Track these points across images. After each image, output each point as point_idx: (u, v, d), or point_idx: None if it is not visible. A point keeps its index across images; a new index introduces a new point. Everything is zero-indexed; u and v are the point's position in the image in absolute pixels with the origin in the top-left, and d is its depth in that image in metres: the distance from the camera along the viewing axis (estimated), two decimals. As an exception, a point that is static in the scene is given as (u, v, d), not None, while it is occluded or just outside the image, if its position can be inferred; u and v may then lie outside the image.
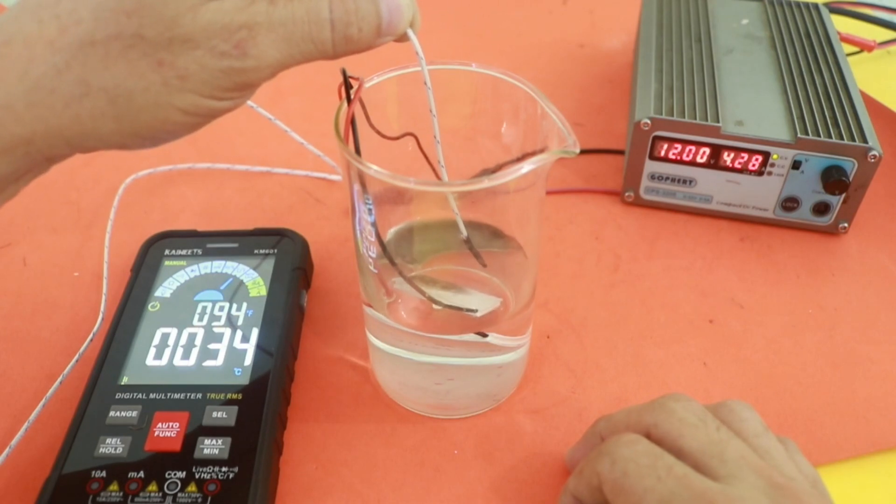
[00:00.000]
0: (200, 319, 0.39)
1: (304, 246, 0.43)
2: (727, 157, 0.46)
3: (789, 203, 0.47)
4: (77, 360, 0.39)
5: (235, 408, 0.35)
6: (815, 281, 0.45)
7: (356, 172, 0.29)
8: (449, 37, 0.68)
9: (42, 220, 0.49)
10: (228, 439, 0.33)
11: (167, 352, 0.37)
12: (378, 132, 0.32)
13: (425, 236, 0.36)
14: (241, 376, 0.36)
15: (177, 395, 0.35)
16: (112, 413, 0.34)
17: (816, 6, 0.58)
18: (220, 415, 0.34)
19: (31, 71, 0.24)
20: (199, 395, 0.35)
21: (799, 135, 0.44)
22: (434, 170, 0.33)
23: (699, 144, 0.46)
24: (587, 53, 0.66)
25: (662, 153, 0.47)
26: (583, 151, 0.52)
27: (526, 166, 0.28)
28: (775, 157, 0.45)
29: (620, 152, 0.54)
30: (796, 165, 0.45)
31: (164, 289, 0.41)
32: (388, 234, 0.35)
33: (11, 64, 0.24)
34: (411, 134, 0.33)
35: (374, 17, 0.27)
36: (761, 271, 0.45)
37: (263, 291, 0.40)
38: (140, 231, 0.45)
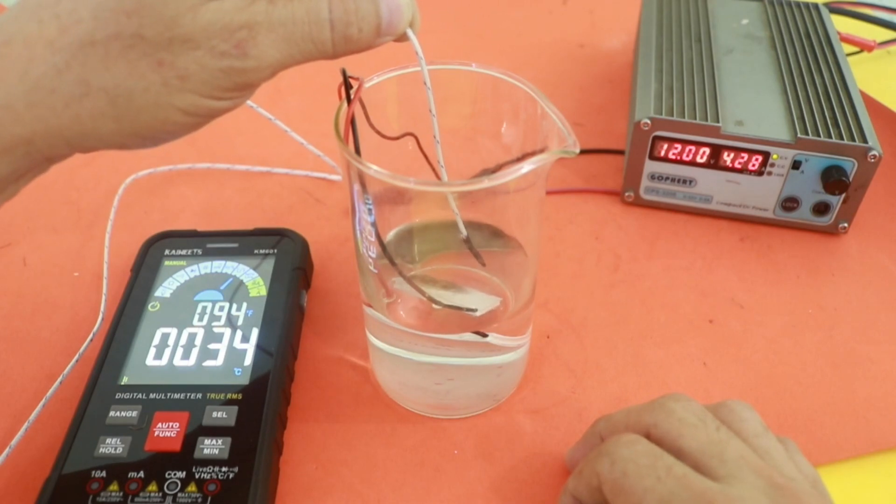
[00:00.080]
0: (200, 319, 0.39)
1: (304, 246, 0.43)
2: (727, 157, 0.46)
3: (789, 203, 0.47)
4: (77, 360, 0.39)
5: (235, 408, 0.35)
6: (815, 281, 0.45)
7: (356, 172, 0.29)
8: (449, 37, 0.68)
9: (42, 220, 0.49)
10: (228, 439, 0.33)
11: (167, 352, 0.37)
12: (378, 132, 0.32)
13: (425, 236, 0.36)
14: (241, 376, 0.36)
15: (177, 395, 0.35)
16: (112, 413, 0.34)
17: (816, 6, 0.58)
18: (220, 415, 0.34)
19: (31, 71, 0.24)
20: (199, 395, 0.35)
21: (799, 135, 0.44)
22: (434, 170, 0.33)
23: (699, 144, 0.46)
24: (587, 53, 0.66)
25: (662, 153, 0.47)
26: (583, 151, 0.52)
27: (526, 166, 0.28)
28: (775, 157, 0.45)
29: (620, 152, 0.54)
30: (796, 165, 0.45)
31: (164, 289, 0.41)
32: (388, 234, 0.35)
33: (11, 64, 0.24)
34: (411, 134, 0.33)
35: (373, 17, 0.27)
36: (761, 271, 0.45)
37: (263, 291, 0.40)
38: (140, 231, 0.45)
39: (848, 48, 0.60)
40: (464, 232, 0.33)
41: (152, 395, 0.35)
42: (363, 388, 0.39)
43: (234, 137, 0.55)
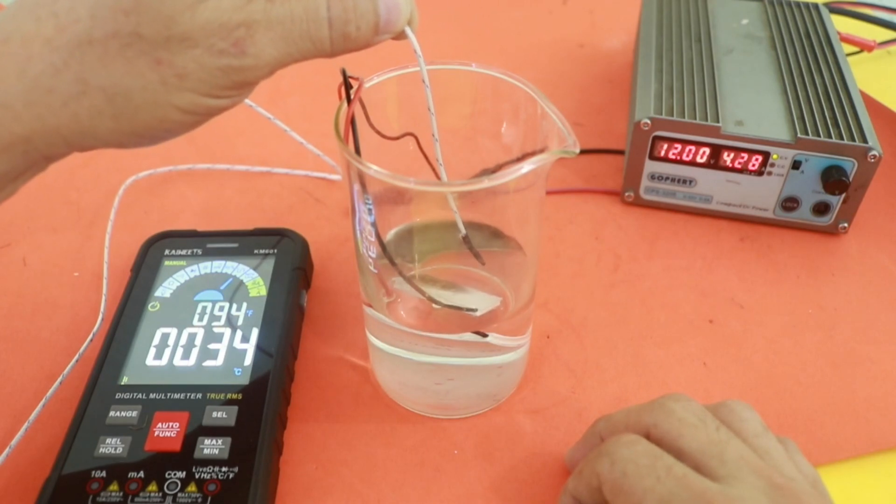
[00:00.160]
0: (200, 319, 0.39)
1: (304, 246, 0.43)
2: (727, 157, 0.46)
3: (789, 203, 0.47)
4: (77, 360, 0.39)
5: (235, 408, 0.35)
6: (815, 281, 0.45)
7: (356, 172, 0.29)
8: (449, 37, 0.68)
9: (42, 220, 0.49)
10: (228, 439, 0.33)
11: (167, 352, 0.37)
12: (378, 132, 0.32)
13: (425, 236, 0.36)
14: (241, 376, 0.36)
15: (177, 395, 0.35)
16: (112, 413, 0.34)
17: (816, 6, 0.58)
18: (220, 415, 0.34)
19: (29, 70, 0.24)
20: (199, 395, 0.35)
21: (799, 135, 0.44)
22: (434, 170, 0.33)
23: (699, 144, 0.46)
24: (587, 53, 0.66)
25: (662, 153, 0.47)
26: (583, 151, 0.52)
27: (526, 166, 0.28)
28: (775, 157, 0.45)
29: (620, 152, 0.54)
30: (796, 165, 0.45)
31: (164, 289, 0.41)
32: (388, 234, 0.35)
33: (9, 62, 0.24)
34: (411, 134, 0.33)
35: (371, 15, 0.27)
36: (761, 271, 0.45)
37: (263, 291, 0.40)
38: (140, 231, 0.45)
39: (848, 48, 0.60)
40: (463, 230, 0.33)
41: (152, 395, 0.35)
42: (363, 388, 0.39)
43: (234, 137, 0.55)
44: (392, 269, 0.34)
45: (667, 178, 0.48)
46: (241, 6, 0.25)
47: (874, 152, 0.43)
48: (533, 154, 0.32)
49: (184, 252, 0.43)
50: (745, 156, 0.45)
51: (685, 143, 0.46)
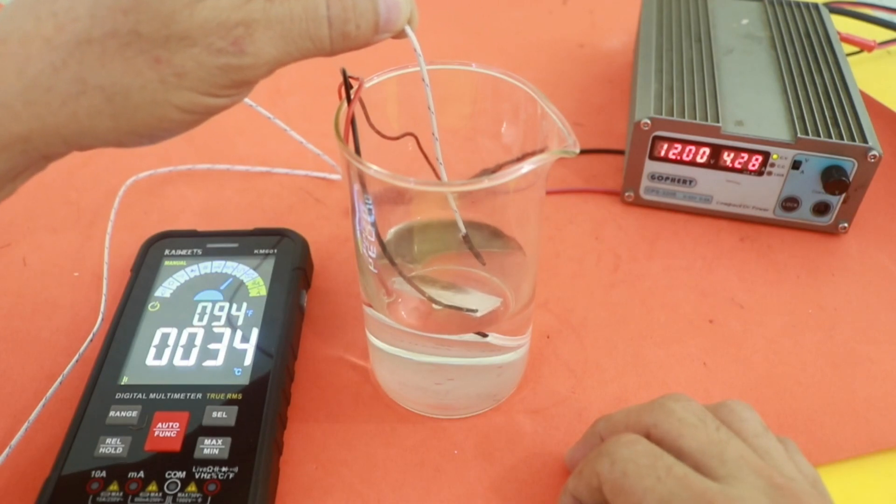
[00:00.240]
0: (200, 319, 0.39)
1: (304, 246, 0.43)
2: (727, 157, 0.46)
3: (789, 203, 0.47)
4: (77, 360, 0.39)
5: (235, 408, 0.35)
6: (815, 281, 0.45)
7: (356, 172, 0.29)
8: (449, 36, 0.68)
9: (42, 220, 0.49)
10: (228, 439, 0.33)
11: (167, 352, 0.37)
12: (378, 132, 0.32)
13: (425, 236, 0.36)
14: (241, 376, 0.36)
15: (177, 395, 0.35)
16: (112, 413, 0.34)
17: (816, 6, 0.58)
18: (220, 415, 0.34)
19: (28, 69, 0.24)
20: (199, 395, 0.35)
21: (799, 135, 0.44)
22: (434, 170, 0.33)
23: (699, 144, 0.46)
24: (587, 53, 0.66)
25: (662, 153, 0.47)
26: (583, 151, 0.52)
27: (526, 166, 0.28)
28: (775, 157, 0.45)
29: (620, 152, 0.54)
30: (796, 165, 0.45)
31: (164, 289, 0.41)
32: (388, 234, 0.35)
33: (8, 62, 0.24)
34: (411, 134, 0.33)
35: (371, 13, 0.27)
36: (761, 271, 0.45)
37: (263, 291, 0.40)
38: (140, 231, 0.45)
39: (848, 48, 0.60)
40: (462, 229, 0.33)
41: (152, 395, 0.35)
42: (363, 388, 0.39)
43: (234, 137, 0.55)
44: (392, 269, 0.34)
45: (667, 178, 0.48)
46: (240, 5, 0.25)
47: (874, 152, 0.43)
48: (533, 154, 0.32)
49: (184, 252, 0.43)
50: (745, 156, 0.45)
51: (685, 143, 0.46)
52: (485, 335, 0.34)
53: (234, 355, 0.37)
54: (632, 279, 0.45)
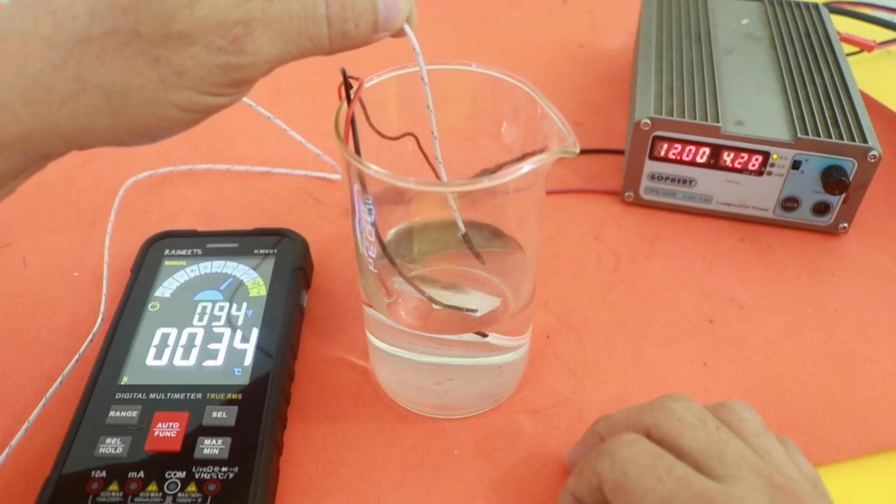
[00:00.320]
0: (200, 319, 0.39)
1: (304, 246, 0.43)
2: (727, 157, 0.46)
3: (789, 203, 0.47)
4: (77, 360, 0.39)
5: (235, 408, 0.35)
6: (815, 281, 0.45)
7: (356, 172, 0.29)
8: (448, 36, 0.68)
9: (42, 220, 0.49)
10: (228, 439, 0.33)
11: (167, 352, 0.37)
12: (378, 132, 0.32)
13: (425, 236, 0.36)
14: (241, 376, 0.36)
15: (177, 395, 0.35)
16: (112, 413, 0.34)
17: (816, 6, 0.58)
18: (220, 415, 0.34)
19: (27, 68, 0.24)
20: (199, 395, 0.35)
21: (799, 135, 0.44)
22: (434, 170, 0.33)
23: (699, 144, 0.46)
24: (587, 53, 0.66)
25: (662, 153, 0.47)
26: (583, 151, 0.52)
27: (526, 166, 0.28)
28: (775, 157, 0.45)
29: (620, 152, 0.54)
30: (796, 165, 0.45)
31: (164, 289, 0.41)
32: (388, 234, 0.35)
33: (8, 61, 0.24)
34: (411, 134, 0.33)
35: (370, 12, 0.27)
36: (761, 271, 0.45)
37: (263, 291, 0.40)
38: (140, 231, 0.45)
39: (848, 48, 0.60)
40: (462, 228, 0.33)
41: (152, 395, 0.35)
42: (363, 388, 0.39)
43: (234, 137, 0.55)
44: (392, 269, 0.34)
45: (667, 178, 0.48)
46: (240, 4, 0.25)
47: (874, 152, 0.43)
48: (533, 154, 0.32)
49: (184, 252, 0.43)
50: (745, 156, 0.45)
51: (685, 143, 0.46)
52: (485, 335, 0.34)
53: (234, 355, 0.37)
54: (632, 279, 0.45)
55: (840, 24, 0.60)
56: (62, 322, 0.42)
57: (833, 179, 0.44)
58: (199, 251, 0.43)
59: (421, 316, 0.35)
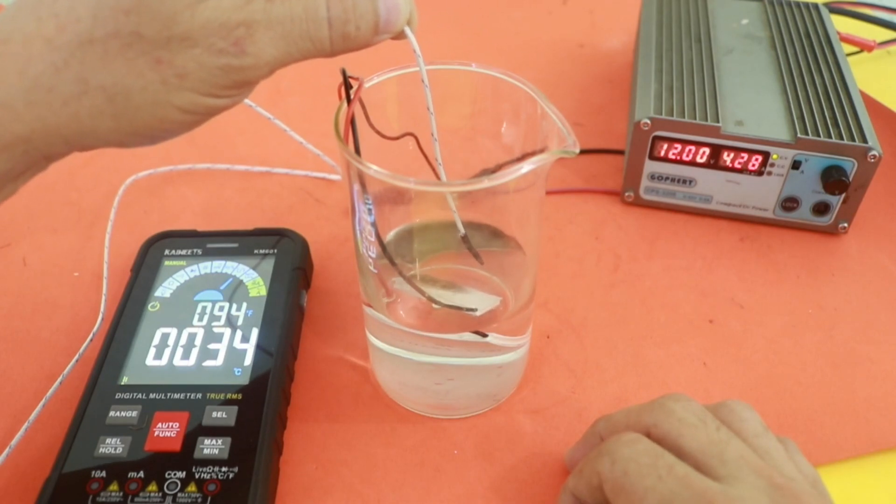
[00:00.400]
0: (200, 319, 0.39)
1: (304, 246, 0.43)
2: (727, 157, 0.46)
3: (789, 203, 0.47)
4: (77, 360, 0.39)
5: (235, 408, 0.35)
6: (815, 281, 0.45)
7: (356, 172, 0.29)
8: (448, 37, 0.68)
9: (42, 220, 0.49)
10: (228, 439, 0.33)
11: (167, 352, 0.37)
12: (378, 132, 0.32)
13: (425, 236, 0.36)
14: (241, 376, 0.36)
15: (177, 395, 0.35)
16: (112, 413, 0.34)
17: (816, 6, 0.58)
18: (220, 415, 0.34)
19: (29, 69, 0.24)
20: (199, 395, 0.35)
21: (799, 135, 0.44)
22: (434, 170, 0.33)
23: (699, 144, 0.46)
24: (587, 53, 0.66)
25: (662, 153, 0.47)
26: (583, 151, 0.52)
27: (526, 166, 0.28)
28: (775, 157, 0.45)
29: (620, 152, 0.54)
30: (796, 165, 0.45)
31: (164, 289, 0.41)
32: (388, 234, 0.35)
33: (10, 62, 0.24)
34: (411, 134, 0.33)
35: (371, 15, 0.27)
36: (761, 271, 0.45)
37: (263, 291, 0.40)
38: (140, 231, 0.46)
39: (848, 48, 0.60)
40: (461, 230, 0.33)
41: (152, 395, 0.35)
42: (363, 388, 0.39)
43: (234, 137, 0.55)
44: (392, 269, 0.34)
45: (667, 178, 0.48)
46: (241, 6, 0.25)
47: (874, 152, 0.43)
48: (533, 154, 0.32)
49: (184, 252, 0.43)
50: (745, 156, 0.45)
51: (685, 143, 0.46)
52: (484, 335, 0.34)
53: (234, 355, 0.37)
54: (632, 279, 0.45)
55: (840, 24, 0.60)
56: (62, 322, 0.42)
57: (833, 179, 0.44)
58: (199, 251, 0.43)
59: (421, 316, 0.35)
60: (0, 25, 0.25)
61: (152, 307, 0.40)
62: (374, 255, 0.32)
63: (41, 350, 0.40)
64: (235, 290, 0.41)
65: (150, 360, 0.37)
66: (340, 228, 0.48)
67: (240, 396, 0.35)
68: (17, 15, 0.25)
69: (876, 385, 0.39)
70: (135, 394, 0.35)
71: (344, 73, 0.30)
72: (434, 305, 0.35)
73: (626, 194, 0.49)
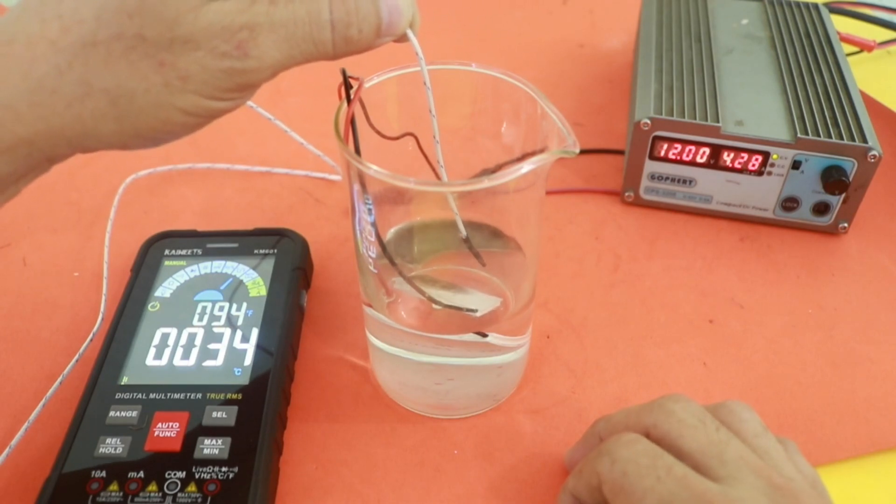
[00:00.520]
0: (200, 319, 0.39)
1: (304, 246, 0.43)
2: (727, 157, 0.46)
3: (789, 203, 0.47)
4: (77, 360, 0.39)
5: (235, 408, 0.35)
6: (815, 281, 0.45)
7: (356, 172, 0.29)
8: (449, 37, 0.68)
9: (42, 220, 0.49)
10: (228, 439, 0.33)
11: (167, 352, 0.37)
12: (378, 132, 0.32)
13: (425, 236, 0.36)
14: (241, 376, 0.36)
15: (177, 395, 0.35)
16: (112, 413, 0.34)
17: (816, 6, 0.58)
18: (220, 415, 0.34)
19: (33, 71, 0.24)
20: (199, 395, 0.35)
21: (799, 135, 0.44)
22: (434, 170, 0.33)
23: (699, 144, 0.46)
24: (587, 53, 0.66)
25: (662, 153, 0.47)
26: (583, 151, 0.52)
27: (526, 166, 0.28)
28: (775, 157, 0.45)
29: (620, 152, 0.54)
30: (796, 165, 0.45)
31: (164, 289, 0.41)
32: (388, 234, 0.35)
33: (14, 64, 0.24)
34: (411, 134, 0.33)
35: (374, 17, 0.27)
36: (761, 271, 0.45)
37: (263, 291, 0.40)
38: (140, 231, 0.45)
39: (848, 48, 0.60)
40: (463, 232, 0.33)
41: (152, 395, 0.35)
42: (363, 388, 0.39)
43: (234, 137, 0.55)
44: (392, 269, 0.34)
45: (667, 178, 0.48)
46: (244, 9, 0.25)
47: (874, 152, 0.43)
48: (533, 154, 0.32)
49: (184, 252, 0.43)
50: (745, 156, 0.45)
51: (685, 143, 0.46)
52: (485, 335, 0.34)
53: (234, 355, 0.37)
54: (632, 279, 0.45)
55: (840, 24, 0.60)
56: (62, 322, 0.42)
57: (833, 179, 0.44)
58: (199, 251, 0.43)
59: (421, 316, 0.35)
60: (4, 27, 0.25)
61: (152, 307, 0.40)
62: (374, 255, 0.32)
63: (41, 350, 0.40)
64: (235, 290, 0.41)
65: (150, 360, 0.37)
66: (340, 228, 0.48)
67: (240, 396, 0.35)
68: (20, 16, 0.25)
69: (876, 385, 0.39)
70: (135, 394, 0.35)
71: (344, 73, 0.30)
72: (434, 306, 0.35)
73: (626, 194, 0.49)
